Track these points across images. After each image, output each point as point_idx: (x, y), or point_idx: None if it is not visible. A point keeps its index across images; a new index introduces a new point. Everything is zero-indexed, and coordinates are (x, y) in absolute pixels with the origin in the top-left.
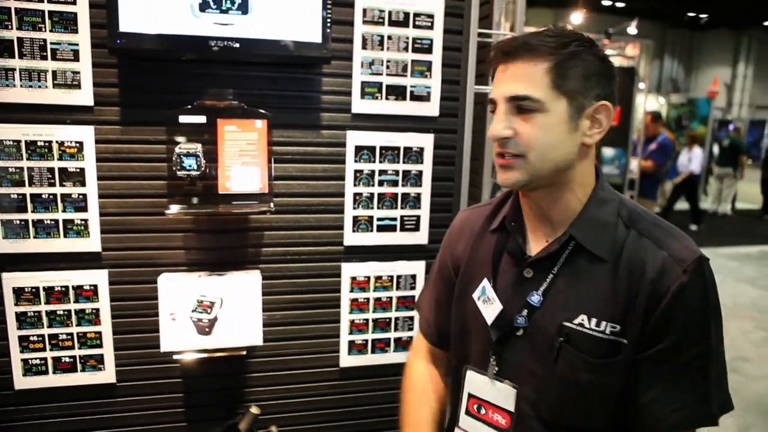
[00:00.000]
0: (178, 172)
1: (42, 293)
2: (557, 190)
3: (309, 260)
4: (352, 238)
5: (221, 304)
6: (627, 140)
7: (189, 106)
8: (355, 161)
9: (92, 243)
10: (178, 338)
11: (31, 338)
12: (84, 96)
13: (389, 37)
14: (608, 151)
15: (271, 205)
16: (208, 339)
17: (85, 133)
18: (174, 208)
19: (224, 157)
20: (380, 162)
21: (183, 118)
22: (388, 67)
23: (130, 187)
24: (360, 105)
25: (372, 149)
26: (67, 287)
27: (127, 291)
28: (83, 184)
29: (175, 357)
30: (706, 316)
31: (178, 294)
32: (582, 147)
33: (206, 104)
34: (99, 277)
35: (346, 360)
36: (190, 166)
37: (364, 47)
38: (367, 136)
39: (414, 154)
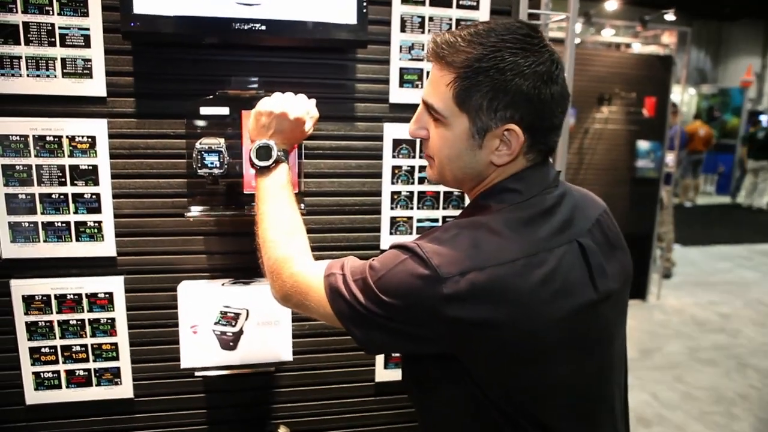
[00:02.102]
0: (199, 171)
1: (53, 301)
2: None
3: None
4: (389, 241)
5: (247, 316)
6: (663, 132)
7: (210, 97)
8: (393, 156)
9: (106, 247)
10: (200, 353)
11: (43, 350)
12: (96, 86)
13: (431, 19)
14: (643, 144)
15: (302, 205)
16: (232, 354)
17: (98, 127)
18: (194, 211)
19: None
20: (421, 158)
21: (204, 110)
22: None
23: (147, 186)
24: (398, 94)
25: (412, 143)
26: (80, 295)
27: (144, 299)
28: (96, 183)
29: (197, 374)
30: None
31: (200, 305)
32: (491, 165)
33: (230, 94)
34: (114, 284)
35: (382, 374)
36: (212, 163)
37: (402, 30)
38: (406, 129)
39: None
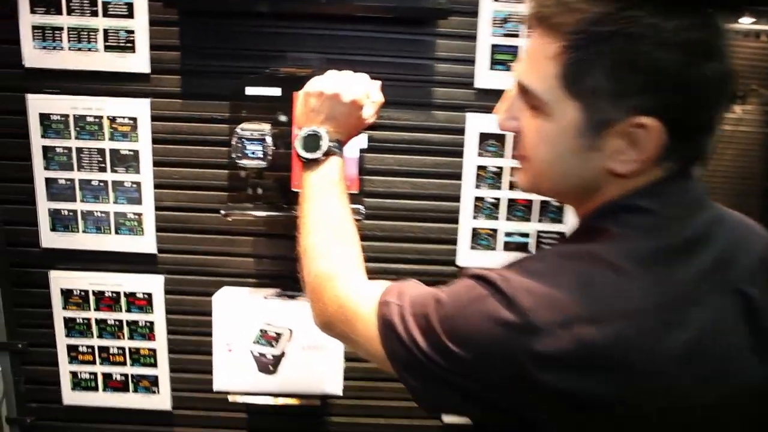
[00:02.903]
0: (237, 161)
1: (92, 298)
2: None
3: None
4: (468, 257)
5: (290, 337)
6: None
7: (259, 75)
8: (479, 154)
9: (146, 242)
10: (235, 376)
11: (80, 348)
12: (139, 61)
13: None
14: None
15: (362, 208)
16: (271, 380)
17: (140, 107)
18: (231, 210)
19: None
20: (513, 156)
21: (251, 90)
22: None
23: (189, 177)
24: (487, 77)
25: (501, 138)
26: (118, 293)
27: (185, 303)
28: (137, 171)
29: (230, 399)
30: None
31: (237, 320)
32: (609, 174)
33: (281, 73)
34: (154, 284)
35: (451, 416)
36: (254, 153)
37: None
38: (495, 120)
39: None
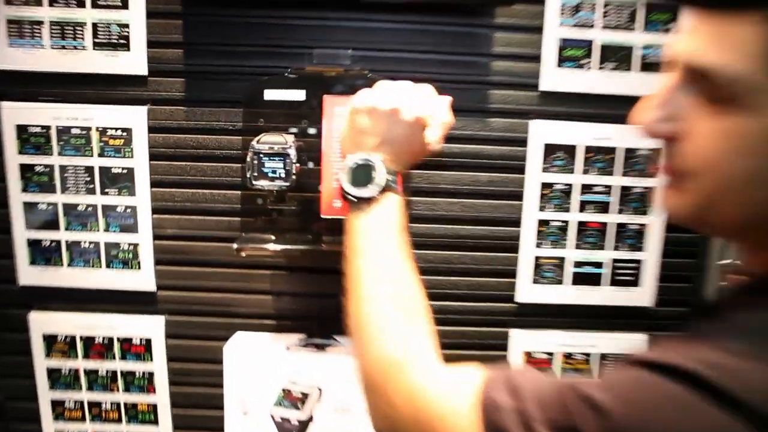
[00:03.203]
0: (254, 182)
1: (79, 344)
2: None
3: (460, 322)
4: (529, 291)
5: (319, 397)
6: None
7: (277, 76)
8: (544, 169)
9: (144, 278)
10: None
11: (67, 404)
12: (134, 61)
13: None
14: None
15: None
16: None
17: (136, 117)
18: (245, 243)
19: (332, 158)
20: (585, 171)
21: (270, 93)
22: (605, 15)
23: (195, 199)
24: (555, 77)
25: (571, 150)
26: (111, 339)
27: (191, 349)
28: (132, 193)
29: None
30: None
31: (254, 376)
32: None
33: (307, 72)
34: (153, 327)
35: None
36: (274, 172)
37: None
38: (563, 128)
39: (641, 160)
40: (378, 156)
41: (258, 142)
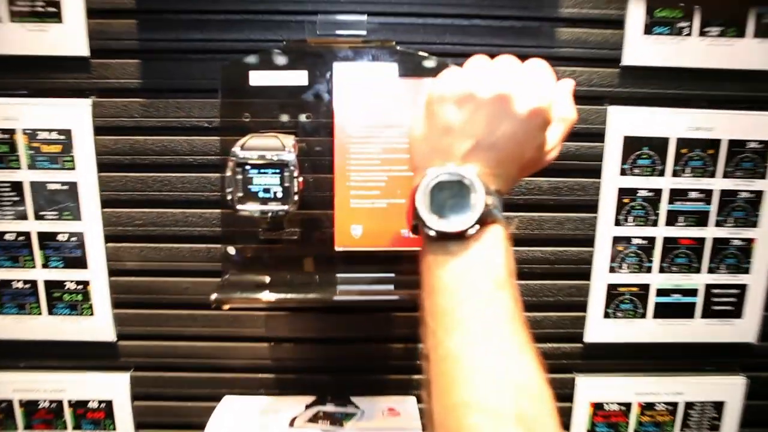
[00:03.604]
0: (238, 206)
1: (18, 410)
2: None
3: None
4: (601, 327)
5: None
6: None
7: (267, 51)
8: (623, 171)
9: (99, 325)
10: None
11: None
12: (69, 36)
13: None
14: None
15: None
16: None
17: (76, 114)
18: (226, 294)
19: (349, 167)
20: (675, 173)
21: (256, 77)
22: None
23: (163, 222)
24: (641, 48)
25: (661, 145)
26: (60, 403)
27: (163, 412)
28: (76, 216)
29: None
30: None
31: None
32: None
33: (308, 46)
34: (115, 387)
35: None
36: (267, 191)
37: None
38: (651, 116)
39: (752, 157)
40: (473, 168)
41: (243, 147)
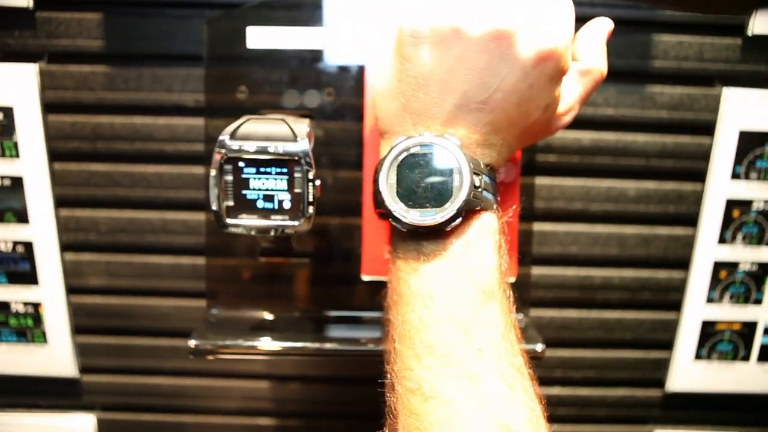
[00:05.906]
0: (228, 220)
1: None
2: None
3: (580, 418)
4: (690, 371)
5: None
6: None
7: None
8: (735, 174)
9: (55, 356)
10: None
11: None
12: None
13: None
14: None
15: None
16: None
17: (19, 86)
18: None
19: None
20: None
21: (254, 39)
22: None
23: (136, 228)
24: None
25: None
26: None
27: None
28: (23, 219)
29: None
30: None
31: None
32: None
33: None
34: (77, 431)
35: None
36: (269, 198)
37: None
38: None
39: None
40: (457, 135)
41: (234, 135)
